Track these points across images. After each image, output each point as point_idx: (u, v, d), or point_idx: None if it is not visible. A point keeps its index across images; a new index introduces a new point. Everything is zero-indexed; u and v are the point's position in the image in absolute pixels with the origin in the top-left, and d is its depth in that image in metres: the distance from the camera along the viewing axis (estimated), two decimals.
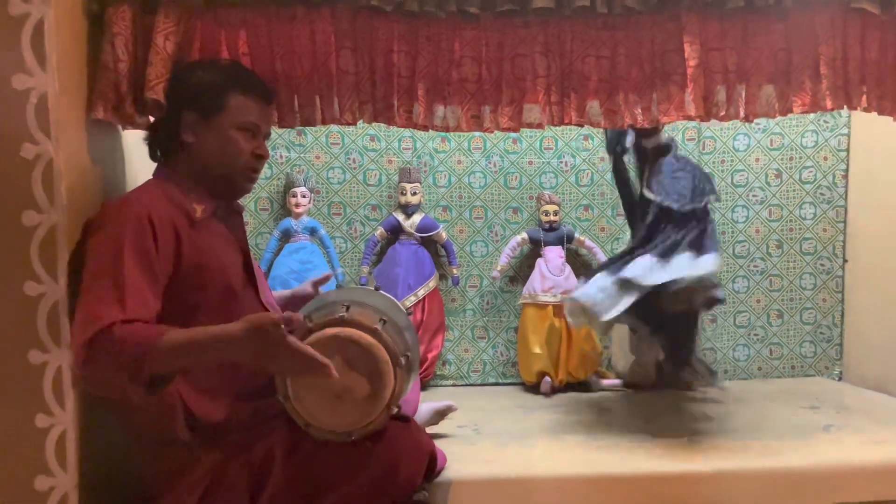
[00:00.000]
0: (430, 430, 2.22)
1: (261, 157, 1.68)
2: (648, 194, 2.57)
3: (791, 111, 1.99)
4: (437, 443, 1.84)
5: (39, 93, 1.51)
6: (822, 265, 3.23)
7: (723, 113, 1.98)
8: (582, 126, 2.03)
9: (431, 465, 1.69)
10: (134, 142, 1.86)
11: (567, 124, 1.97)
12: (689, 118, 1.96)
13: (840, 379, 3.22)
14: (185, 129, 1.63)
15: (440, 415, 2.34)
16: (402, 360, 1.48)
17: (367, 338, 1.44)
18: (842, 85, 1.98)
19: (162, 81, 1.66)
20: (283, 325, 1.35)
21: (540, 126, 1.95)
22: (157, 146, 1.70)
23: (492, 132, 1.99)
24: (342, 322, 1.45)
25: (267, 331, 1.34)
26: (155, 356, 1.36)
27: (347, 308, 1.49)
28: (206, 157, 1.63)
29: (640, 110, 1.98)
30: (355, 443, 1.49)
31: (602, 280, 2.37)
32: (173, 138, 1.64)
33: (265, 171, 3.09)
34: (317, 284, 1.91)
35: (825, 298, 3.23)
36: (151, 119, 1.74)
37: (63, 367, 1.53)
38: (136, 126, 1.75)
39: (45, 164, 1.52)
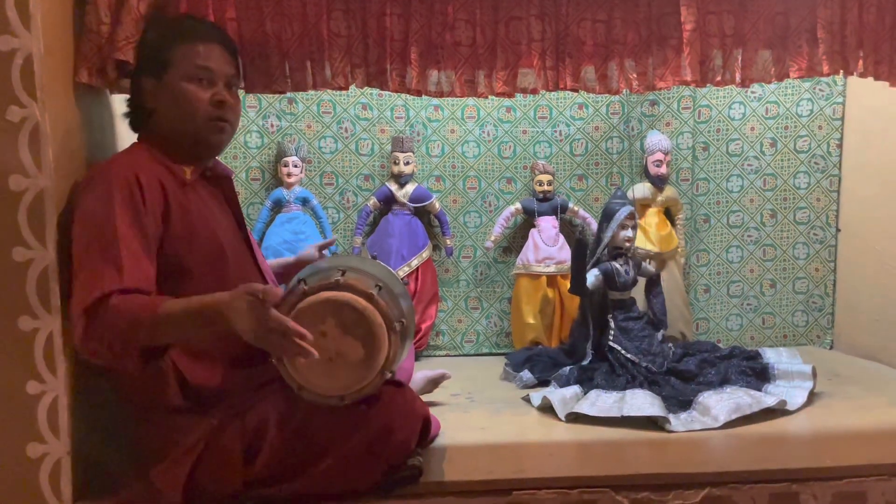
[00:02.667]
0: (424, 398, 2.22)
1: (220, 103, 1.57)
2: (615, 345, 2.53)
3: (787, 76, 1.98)
4: (432, 411, 1.85)
5: (24, 54, 1.48)
6: (815, 235, 3.23)
7: (719, 78, 1.97)
8: (577, 91, 2.02)
9: (425, 429, 1.69)
10: (123, 106, 1.83)
11: (562, 89, 1.96)
12: (685, 83, 1.95)
13: (831, 348, 3.24)
14: (145, 95, 1.59)
15: (434, 383, 2.35)
16: (397, 326, 1.47)
17: (362, 302, 1.43)
18: (839, 49, 1.97)
19: (131, 42, 1.63)
20: (264, 296, 1.30)
21: (535, 91, 1.93)
22: (134, 115, 1.66)
23: (486, 97, 1.97)
24: (337, 286, 1.44)
25: (247, 302, 1.32)
26: (151, 329, 1.36)
27: (343, 273, 1.48)
28: (167, 120, 1.58)
29: (635, 75, 1.96)
30: (349, 406, 1.48)
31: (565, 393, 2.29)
32: (140, 106, 1.61)
33: (255, 140, 3.06)
34: (321, 248, 1.90)
35: (818, 268, 3.24)
36: (130, 82, 1.70)
37: (54, 332, 1.52)
38: (120, 91, 1.72)
39: (31, 128, 1.49)
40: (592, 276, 2.57)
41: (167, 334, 1.41)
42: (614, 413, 2.10)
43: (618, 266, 2.62)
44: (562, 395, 2.23)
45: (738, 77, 1.97)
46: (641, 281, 2.76)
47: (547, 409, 2.23)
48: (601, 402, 2.19)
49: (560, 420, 2.14)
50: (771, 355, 2.56)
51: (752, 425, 2.07)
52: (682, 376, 2.42)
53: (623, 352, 2.50)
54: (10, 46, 1.47)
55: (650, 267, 2.77)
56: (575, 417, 2.14)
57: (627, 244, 2.65)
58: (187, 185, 1.58)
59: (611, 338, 2.55)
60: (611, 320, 2.58)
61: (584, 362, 2.56)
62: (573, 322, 2.85)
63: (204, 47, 1.57)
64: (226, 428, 1.53)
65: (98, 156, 1.74)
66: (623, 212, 2.62)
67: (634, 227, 2.68)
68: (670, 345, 2.65)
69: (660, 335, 2.64)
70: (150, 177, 1.49)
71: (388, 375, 1.50)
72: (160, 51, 1.57)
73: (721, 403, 2.12)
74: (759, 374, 2.43)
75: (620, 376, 2.40)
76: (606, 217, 2.66)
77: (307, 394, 1.45)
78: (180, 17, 1.68)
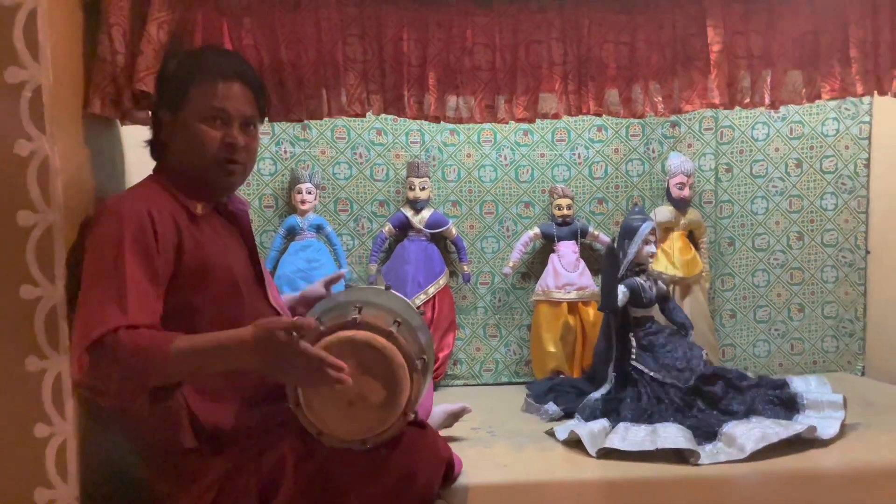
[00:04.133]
0: (443, 432, 2.15)
1: (231, 146, 1.51)
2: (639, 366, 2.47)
3: (819, 97, 1.92)
4: (452, 446, 1.78)
5: (33, 86, 1.44)
6: (843, 257, 3.14)
7: (747, 100, 1.92)
8: (600, 116, 1.96)
9: (449, 471, 1.62)
10: (133, 137, 1.79)
11: (585, 114, 1.91)
12: (713, 106, 1.89)
13: (863, 374, 3.13)
14: (163, 129, 1.55)
15: (454, 417, 2.27)
16: (419, 364, 1.40)
17: (382, 341, 1.37)
18: (872, 69, 1.91)
19: (152, 73, 1.59)
20: (294, 332, 1.27)
21: (556, 116, 1.89)
22: (152, 145, 1.62)
23: (506, 123, 1.92)
24: (355, 325, 1.38)
25: (277, 337, 1.27)
26: (163, 364, 1.31)
27: (360, 310, 1.42)
28: (180, 156, 1.54)
29: (660, 98, 1.92)
30: (371, 450, 1.42)
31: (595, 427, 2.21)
32: (158, 138, 1.57)
33: (269, 167, 3.02)
34: (329, 284, 1.83)
35: (847, 291, 3.15)
36: (150, 114, 1.66)
37: (63, 373, 1.47)
38: (134, 121, 1.68)
39: (40, 161, 1.45)
40: (620, 293, 2.52)
41: (179, 371, 1.36)
42: (647, 447, 2.02)
43: (642, 282, 2.60)
44: (590, 430, 2.14)
45: (767, 99, 1.92)
46: None
47: (573, 443, 2.15)
48: (632, 435, 2.12)
49: (588, 455, 2.05)
50: (799, 384, 2.46)
51: (784, 458, 1.97)
52: (707, 398, 2.36)
53: (647, 371, 2.44)
54: (18, 79, 1.43)
55: (662, 285, 2.74)
56: (606, 452, 2.06)
57: (651, 260, 2.64)
58: (200, 220, 1.53)
59: (633, 357, 2.49)
60: (632, 339, 2.53)
61: (605, 389, 2.48)
62: (595, 346, 2.78)
63: (223, 86, 1.51)
64: (241, 470, 1.48)
65: (108, 188, 1.70)
66: (646, 227, 2.60)
67: (656, 243, 2.67)
68: (704, 352, 2.56)
69: (690, 337, 2.60)
70: (162, 212, 1.45)
71: (411, 416, 1.43)
72: (178, 86, 1.52)
73: (747, 433, 2.05)
74: (788, 404, 2.34)
75: (646, 405, 2.33)
76: (628, 234, 2.62)
77: (327, 439, 1.40)
78: (202, 52, 1.62)
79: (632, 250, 2.60)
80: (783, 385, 2.46)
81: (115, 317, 1.32)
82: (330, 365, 1.30)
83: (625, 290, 2.54)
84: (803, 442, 2.05)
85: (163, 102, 1.56)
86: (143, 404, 1.36)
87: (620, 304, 2.50)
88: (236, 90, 1.53)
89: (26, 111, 1.44)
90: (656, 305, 2.70)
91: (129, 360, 1.30)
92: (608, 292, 2.49)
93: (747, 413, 2.27)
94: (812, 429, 2.09)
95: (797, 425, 2.11)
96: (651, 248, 2.62)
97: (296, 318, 1.31)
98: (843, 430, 2.19)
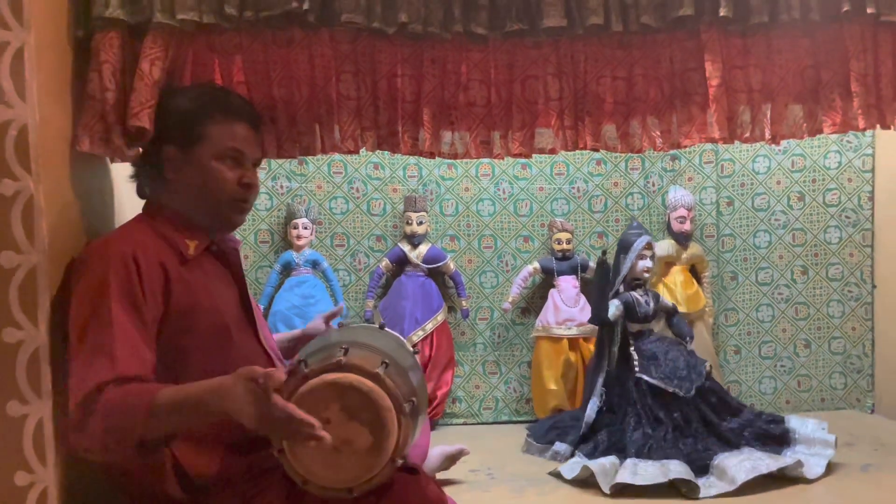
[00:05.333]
0: (441, 475, 2.09)
1: (249, 186, 1.54)
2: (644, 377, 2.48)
3: (821, 131, 1.89)
4: (449, 490, 1.72)
5: (19, 125, 1.41)
6: (850, 291, 3.09)
7: (747, 134, 1.89)
8: (598, 151, 1.93)
9: None
10: (123, 175, 1.77)
11: (582, 149, 1.88)
12: (712, 140, 1.86)
13: (872, 411, 3.07)
14: (166, 165, 1.52)
15: (452, 459, 2.21)
16: (407, 407, 1.35)
17: (368, 383, 1.31)
18: (874, 103, 1.88)
19: (146, 108, 1.57)
20: (265, 382, 1.22)
21: (553, 151, 1.87)
22: (143, 182, 1.59)
23: (502, 158, 1.89)
24: (339, 367, 1.32)
25: (251, 389, 1.23)
26: (146, 420, 1.27)
27: (346, 351, 1.37)
28: (190, 193, 1.52)
29: (659, 133, 1.89)
30: (358, 500, 1.36)
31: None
32: (157, 174, 1.54)
33: (265, 202, 3.00)
34: (328, 319, 1.80)
35: (854, 327, 3.09)
36: (141, 151, 1.63)
37: (44, 419, 1.42)
38: (124, 158, 1.66)
39: (24, 201, 1.41)
40: (613, 307, 2.52)
41: (165, 425, 1.32)
42: (660, 479, 2.07)
43: (638, 296, 2.60)
44: (601, 466, 2.15)
45: (767, 133, 1.89)
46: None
47: (576, 483, 2.12)
48: (642, 470, 2.14)
49: (590, 498, 2.02)
50: (795, 422, 2.45)
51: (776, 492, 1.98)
52: (703, 418, 2.40)
53: (650, 379, 2.44)
54: (4, 118, 1.41)
55: (668, 301, 2.70)
56: (620, 489, 2.09)
57: (646, 274, 2.65)
58: (191, 261, 1.50)
59: (637, 368, 2.47)
60: (633, 352, 2.51)
61: (594, 403, 2.50)
62: (588, 362, 2.78)
63: (240, 127, 1.53)
64: None
65: (97, 226, 1.67)
66: (640, 242, 2.61)
67: (653, 257, 2.67)
68: (707, 364, 2.56)
69: (690, 346, 2.61)
70: (148, 255, 1.42)
71: (400, 462, 1.37)
72: (193, 125, 1.51)
73: (738, 465, 2.11)
74: (778, 439, 2.37)
75: (647, 430, 2.35)
76: (623, 248, 2.65)
77: (313, 487, 1.34)
78: (215, 91, 1.61)
79: (626, 265, 2.60)
80: (780, 420, 2.47)
81: (103, 371, 1.29)
82: (300, 422, 1.24)
83: (618, 304, 2.54)
84: (798, 479, 2.09)
85: (171, 138, 1.53)
86: (131, 460, 1.32)
87: (612, 317, 2.51)
88: (249, 132, 1.55)
89: (11, 150, 1.41)
90: (658, 320, 2.69)
91: (114, 418, 1.27)
92: (598, 305, 2.52)
93: (737, 441, 2.30)
94: (798, 464, 2.12)
95: (786, 458, 2.17)
96: (646, 263, 2.62)
97: (268, 369, 1.25)
98: (849, 469, 2.17)
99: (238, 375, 1.26)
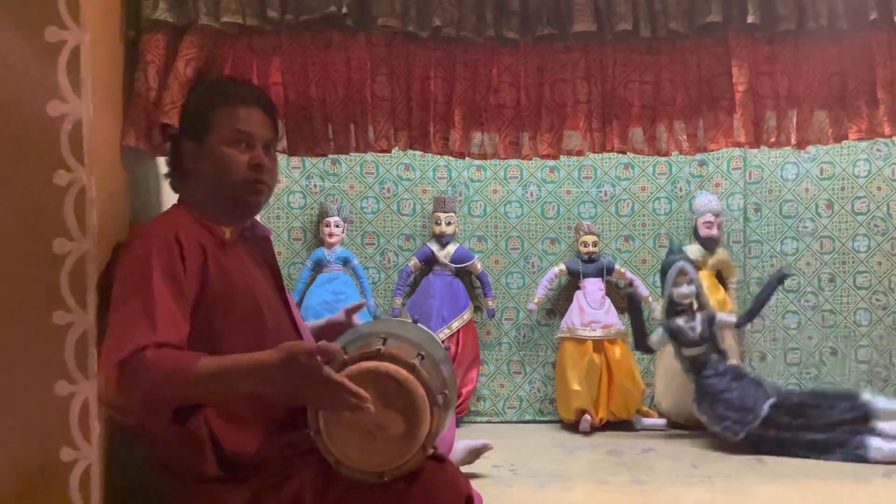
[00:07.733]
0: (464, 469, 2.13)
1: (259, 167, 1.56)
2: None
3: (846, 138, 1.90)
4: (472, 483, 1.75)
5: (74, 119, 1.49)
6: (877, 300, 3.08)
7: (773, 139, 1.91)
8: (624, 153, 1.97)
9: None
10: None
11: (609, 151, 1.91)
12: (738, 145, 1.89)
13: None
14: (186, 157, 1.59)
15: (476, 453, 2.26)
16: (440, 398, 1.40)
17: (404, 373, 1.37)
18: None
19: (176, 107, 1.63)
20: (318, 356, 1.29)
21: (580, 153, 1.90)
22: (173, 177, 1.66)
23: (530, 159, 1.94)
24: (378, 355, 1.38)
25: (301, 360, 1.29)
26: (187, 385, 1.32)
27: (384, 341, 1.42)
28: (208, 181, 1.57)
29: (685, 137, 1.92)
30: (388, 484, 1.41)
31: None
32: (181, 168, 1.61)
33: (298, 200, 3.08)
34: (350, 312, 1.85)
35: (882, 336, 3.07)
36: (169, 146, 1.71)
37: (90, 399, 1.48)
38: (165, 154, 1.73)
39: (77, 191, 1.48)
40: (657, 335, 2.51)
41: (203, 392, 1.37)
42: None
43: (682, 324, 2.54)
44: None
45: (793, 139, 1.91)
46: None
47: (595, 483, 2.14)
48: None
49: (611, 491, 2.04)
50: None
51: None
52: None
53: (708, 424, 2.46)
54: (59, 112, 1.48)
55: (727, 316, 2.66)
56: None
57: (686, 301, 2.57)
58: (227, 246, 1.57)
59: (695, 405, 2.49)
60: (693, 382, 2.50)
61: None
62: None
63: (244, 111, 1.57)
64: (260, 499, 1.46)
65: (143, 218, 1.74)
66: (672, 270, 2.59)
67: (690, 282, 2.61)
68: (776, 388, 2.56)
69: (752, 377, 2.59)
70: (189, 237, 1.48)
71: (431, 451, 1.42)
72: (202, 114, 1.57)
73: None
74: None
75: None
76: (662, 274, 2.63)
77: (345, 469, 1.39)
78: (221, 80, 1.68)
79: (665, 294, 2.60)
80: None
81: (144, 334, 1.33)
82: (349, 392, 1.30)
83: (662, 333, 2.54)
84: None
85: (187, 131, 1.60)
86: (165, 424, 1.37)
87: (655, 346, 2.51)
88: (257, 114, 1.59)
89: (66, 143, 1.48)
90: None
91: (155, 378, 1.31)
92: (635, 337, 2.56)
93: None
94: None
95: None
96: (681, 290, 2.60)
97: (321, 342, 1.32)
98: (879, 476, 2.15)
99: (281, 348, 1.31)
